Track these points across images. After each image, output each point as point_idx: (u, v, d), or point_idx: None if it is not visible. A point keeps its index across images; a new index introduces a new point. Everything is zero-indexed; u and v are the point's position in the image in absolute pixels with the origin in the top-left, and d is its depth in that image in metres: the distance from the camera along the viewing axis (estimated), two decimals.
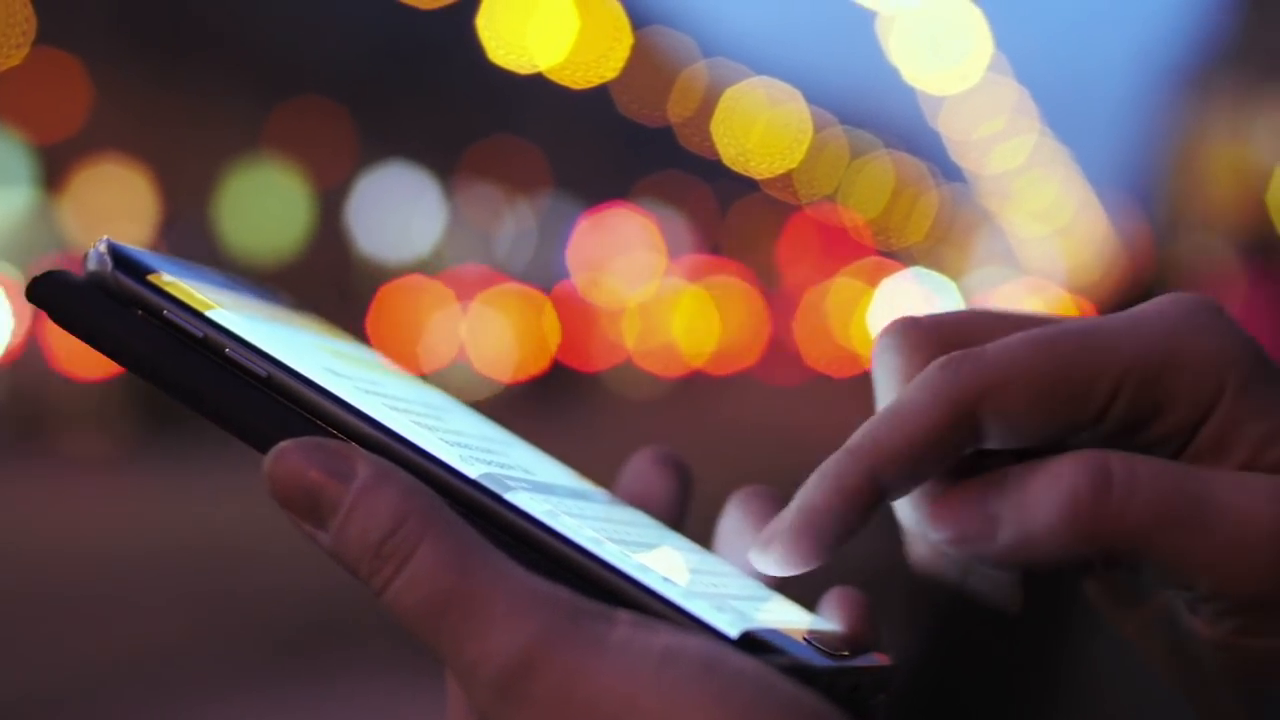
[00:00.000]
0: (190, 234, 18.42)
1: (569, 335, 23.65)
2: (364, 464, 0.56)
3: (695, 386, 25.15)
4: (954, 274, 37.20)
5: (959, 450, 0.59)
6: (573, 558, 0.57)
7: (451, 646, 0.54)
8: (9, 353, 14.25)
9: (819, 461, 0.60)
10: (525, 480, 0.60)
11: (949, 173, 49.50)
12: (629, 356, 25.72)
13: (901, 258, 40.55)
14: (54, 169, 17.17)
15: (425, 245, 23.67)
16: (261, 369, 0.58)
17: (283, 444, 0.56)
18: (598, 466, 0.80)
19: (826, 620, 0.63)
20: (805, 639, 0.57)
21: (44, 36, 16.75)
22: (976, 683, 3.41)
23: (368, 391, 0.60)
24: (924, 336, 0.62)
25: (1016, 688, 3.44)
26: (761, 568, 0.60)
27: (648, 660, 0.52)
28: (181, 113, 19.18)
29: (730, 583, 0.61)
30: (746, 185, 36.31)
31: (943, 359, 0.59)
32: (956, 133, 42.79)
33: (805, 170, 38.61)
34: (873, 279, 34.94)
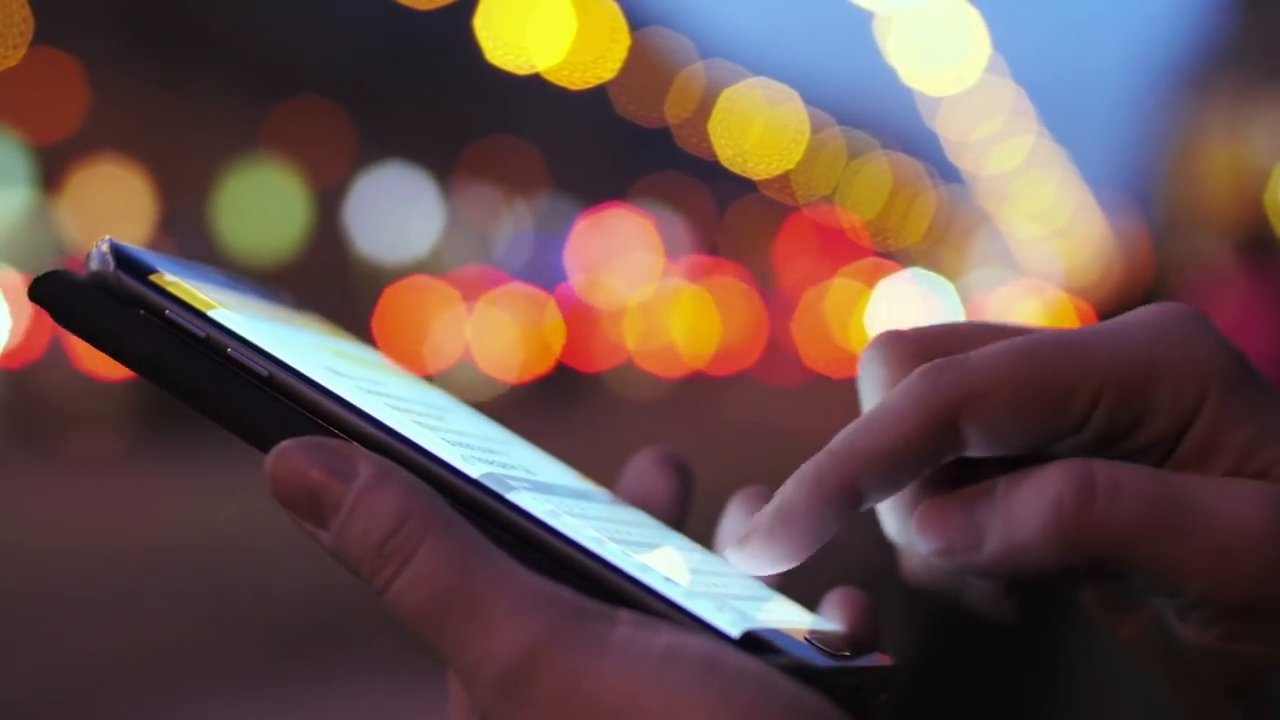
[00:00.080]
0: (188, 234, 18.41)
1: (571, 336, 23.69)
2: (366, 463, 0.56)
3: (696, 387, 25.17)
4: (952, 275, 37.19)
5: (939, 457, 0.60)
6: (575, 558, 0.57)
7: (453, 646, 0.54)
8: (10, 353, 14.25)
9: None
10: (527, 480, 0.60)
11: (947, 173, 49.51)
12: (630, 357, 25.73)
13: (899, 258, 40.54)
14: (52, 169, 17.17)
15: (423, 246, 23.67)
16: (263, 368, 0.59)
17: (284, 443, 0.56)
18: (599, 466, 0.80)
19: (828, 620, 0.63)
20: (807, 639, 0.57)
21: (42, 36, 16.75)
22: (976, 683, 3.41)
23: (369, 391, 0.60)
24: (909, 348, 0.62)
25: (1016, 689, 3.45)
26: (738, 565, 0.60)
27: (649, 660, 0.52)
28: (180, 113, 19.18)
29: (732, 583, 0.61)
30: (744, 186, 36.31)
31: (924, 367, 0.60)
32: (954, 133, 42.78)
33: (803, 171, 38.62)
34: (871, 279, 34.95)
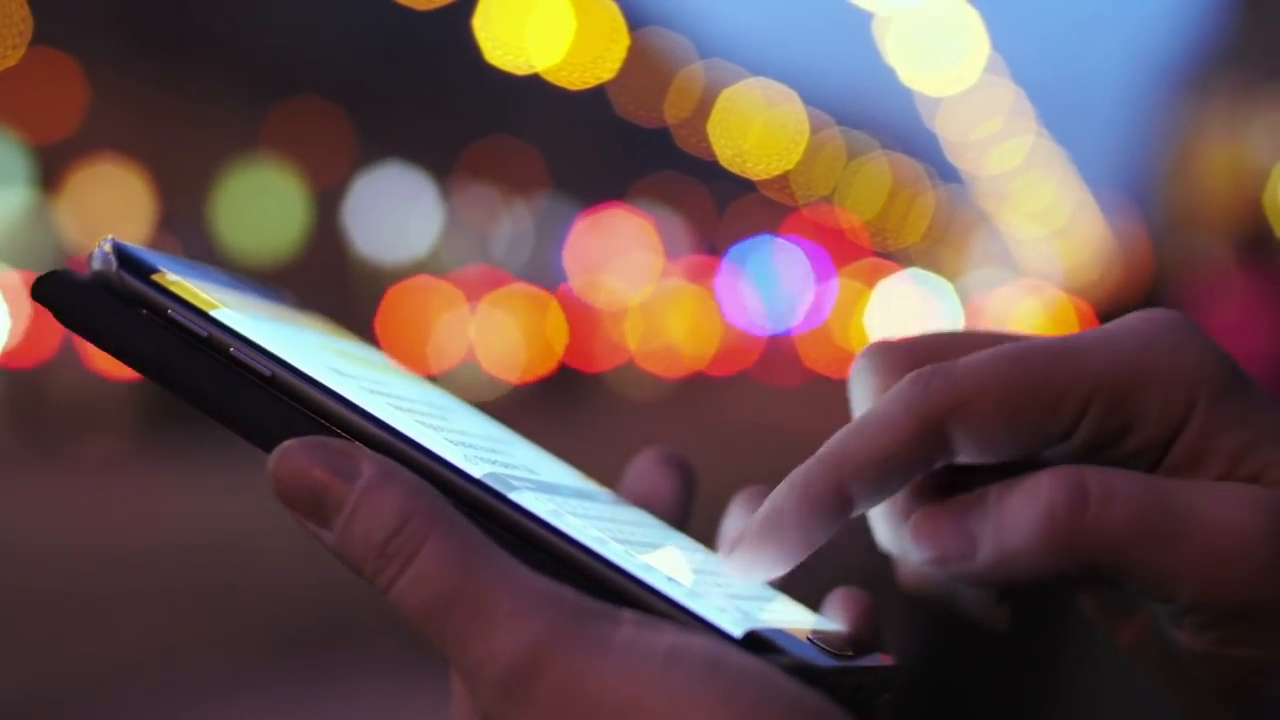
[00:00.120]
0: (188, 234, 18.42)
1: (573, 336, 23.73)
2: (368, 463, 0.56)
3: (697, 387, 25.20)
4: (951, 275, 37.22)
5: (928, 464, 0.60)
6: (577, 557, 0.57)
7: (456, 646, 0.54)
8: (20, 352, 14.25)
9: None
10: (530, 480, 0.60)
11: (946, 174, 49.54)
12: (631, 357, 25.77)
13: (898, 259, 40.57)
14: (51, 169, 17.18)
15: (423, 246, 23.68)
16: (266, 368, 0.59)
17: (287, 443, 0.56)
18: (601, 466, 0.80)
19: (830, 621, 0.63)
20: (809, 639, 0.57)
21: (41, 37, 16.75)
22: (977, 685, 3.42)
23: (372, 391, 0.60)
24: (899, 357, 0.62)
25: (1016, 690, 3.45)
26: (730, 570, 0.60)
27: (652, 660, 0.52)
28: (179, 113, 19.18)
29: (734, 583, 0.61)
30: (743, 186, 36.33)
31: (914, 374, 0.60)
32: (953, 134, 42.79)
33: (802, 171, 38.63)
34: (870, 280, 34.98)
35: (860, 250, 39.46)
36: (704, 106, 33.77)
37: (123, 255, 0.60)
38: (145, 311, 0.59)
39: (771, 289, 32.88)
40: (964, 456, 0.60)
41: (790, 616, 0.60)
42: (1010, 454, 0.60)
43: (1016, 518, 0.58)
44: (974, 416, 0.59)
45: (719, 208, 34.28)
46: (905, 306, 31.30)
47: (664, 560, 0.59)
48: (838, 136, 41.09)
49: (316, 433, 0.57)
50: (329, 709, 5.09)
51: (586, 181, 27.62)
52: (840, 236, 38.67)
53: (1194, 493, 0.58)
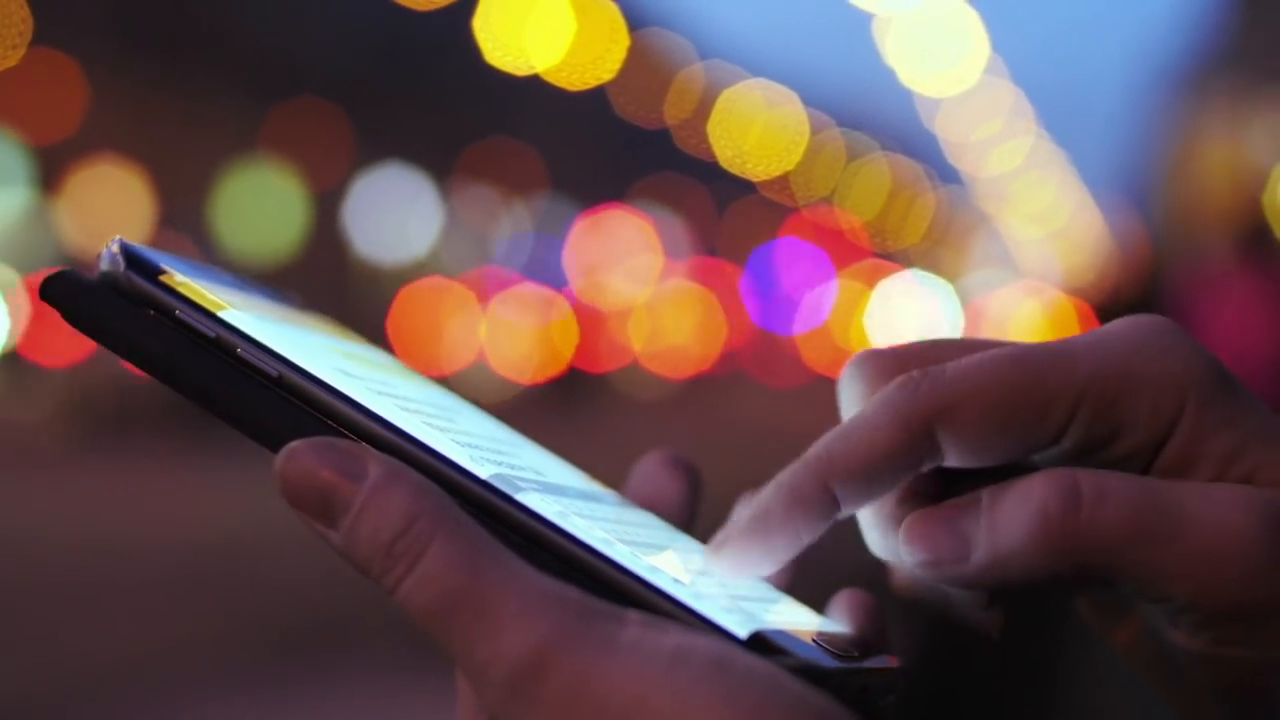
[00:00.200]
0: (187, 235, 18.42)
1: (580, 337, 23.76)
2: (375, 464, 0.56)
3: (700, 388, 25.22)
4: (951, 276, 37.21)
5: (916, 466, 0.60)
6: (583, 558, 0.57)
7: (462, 646, 0.54)
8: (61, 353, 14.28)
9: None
10: (536, 481, 0.61)
11: (946, 175, 49.55)
12: (636, 358, 25.78)
13: (898, 260, 40.58)
14: (51, 170, 17.18)
15: (422, 247, 23.68)
16: (273, 369, 0.59)
17: (294, 443, 0.56)
18: (606, 467, 0.80)
19: (835, 622, 0.63)
20: (814, 640, 0.58)
21: (41, 37, 16.75)
22: (977, 687, 3.42)
23: (379, 392, 0.60)
24: (887, 364, 0.63)
25: (1013, 693, 3.45)
26: (716, 569, 0.61)
27: (658, 660, 0.53)
28: (178, 114, 19.18)
29: (740, 584, 0.61)
30: (743, 187, 36.34)
31: (902, 378, 0.60)
32: (953, 135, 42.79)
33: (802, 172, 38.63)
34: (870, 280, 34.98)
35: (860, 251, 39.46)
36: (704, 107, 33.77)
37: (130, 256, 0.60)
38: (153, 312, 0.59)
39: (772, 290, 32.90)
40: (952, 460, 0.60)
41: (795, 618, 0.60)
42: (998, 458, 0.60)
43: (1010, 519, 0.59)
44: (962, 420, 0.59)
45: (719, 209, 34.28)
46: (905, 307, 31.30)
47: (669, 561, 0.59)
48: (838, 137, 41.09)
49: (323, 433, 0.58)
50: (329, 709, 5.09)
51: (586, 182, 27.63)
52: (840, 237, 38.67)
53: (1187, 493, 0.58)
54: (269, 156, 20.90)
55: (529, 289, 23.47)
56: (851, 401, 0.63)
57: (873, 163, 43.40)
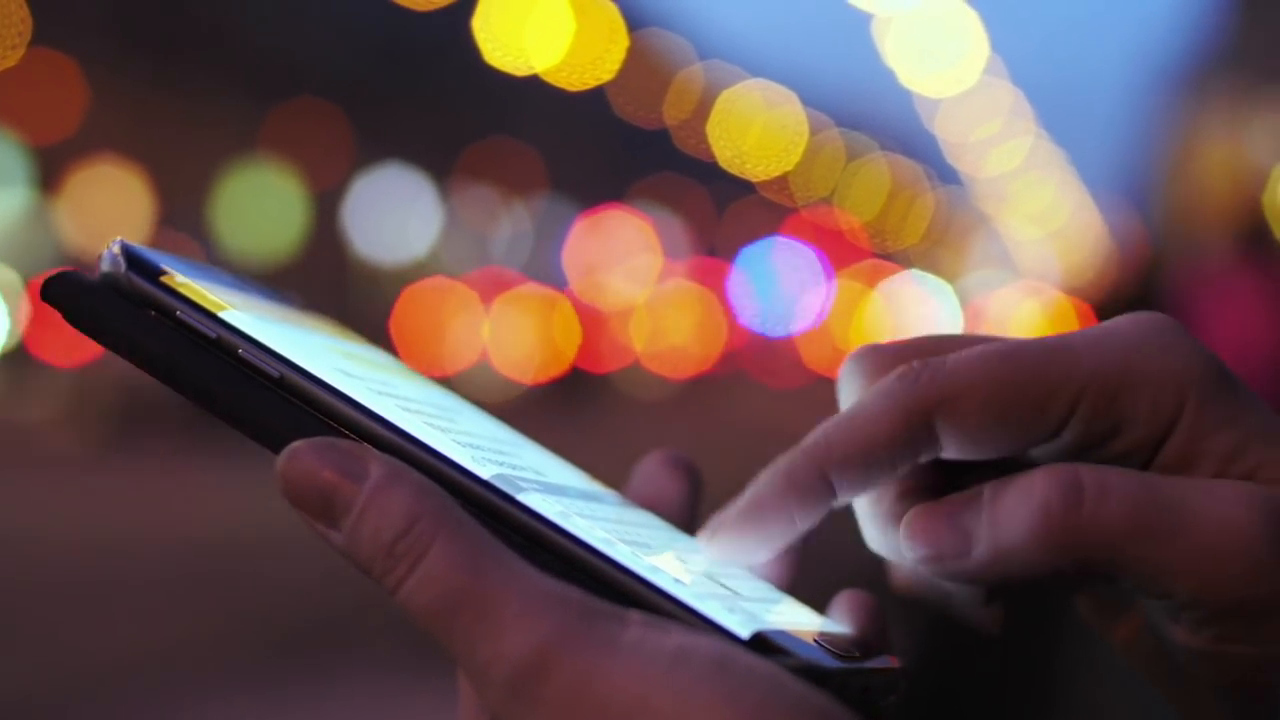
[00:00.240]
0: (187, 235, 18.42)
1: (583, 337, 23.79)
2: (377, 464, 0.56)
3: (701, 388, 25.22)
4: (950, 276, 37.24)
5: (913, 457, 0.60)
6: (585, 558, 0.57)
7: (464, 647, 0.54)
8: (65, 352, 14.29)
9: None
10: (537, 482, 0.61)
11: (945, 175, 49.56)
12: (637, 358, 25.79)
13: (898, 260, 40.59)
14: (50, 170, 17.19)
15: (422, 247, 23.68)
16: (274, 369, 0.59)
17: (296, 444, 0.56)
18: (608, 467, 0.80)
19: (837, 623, 0.63)
20: (816, 640, 0.57)
21: (40, 37, 16.75)
22: (977, 686, 3.42)
23: (380, 393, 0.60)
24: (887, 358, 0.63)
25: (1014, 691, 3.45)
26: (709, 554, 0.61)
27: (659, 660, 0.53)
28: (177, 114, 19.18)
29: (741, 584, 0.61)
30: (742, 187, 36.34)
31: (902, 368, 0.60)
32: (953, 135, 42.79)
33: (801, 172, 38.63)
34: (870, 281, 35.00)
35: (860, 252, 39.47)
36: (703, 108, 33.77)
37: (131, 257, 0.60)
38: (154, 313, 0.59)
39: (772, 290, 32.90)
40: (950, 452, 0.60)
41: (797, 618, 0.60)
42: (997, 451, 0.60)
43: (1011, 514, 0.58)
44: (961, 411, 0.59)
45: (718, 209, 34.28)
46: (905, 308, 31.31)
47: (671, 562, 0.59)
48: (837, 138, 41.10)
49: (325, 434, 0.58)
50: (329, 709, 5.08)
51: (586, 182, 27.63)
52: (840, 238, 38.68)
53: (1189, 489, 0.58)
54: (269, 156, 20.91)
55: (531, 289, 23.48)
56: (851, 394, 0.63)
57: (872, 163, 43.40)
